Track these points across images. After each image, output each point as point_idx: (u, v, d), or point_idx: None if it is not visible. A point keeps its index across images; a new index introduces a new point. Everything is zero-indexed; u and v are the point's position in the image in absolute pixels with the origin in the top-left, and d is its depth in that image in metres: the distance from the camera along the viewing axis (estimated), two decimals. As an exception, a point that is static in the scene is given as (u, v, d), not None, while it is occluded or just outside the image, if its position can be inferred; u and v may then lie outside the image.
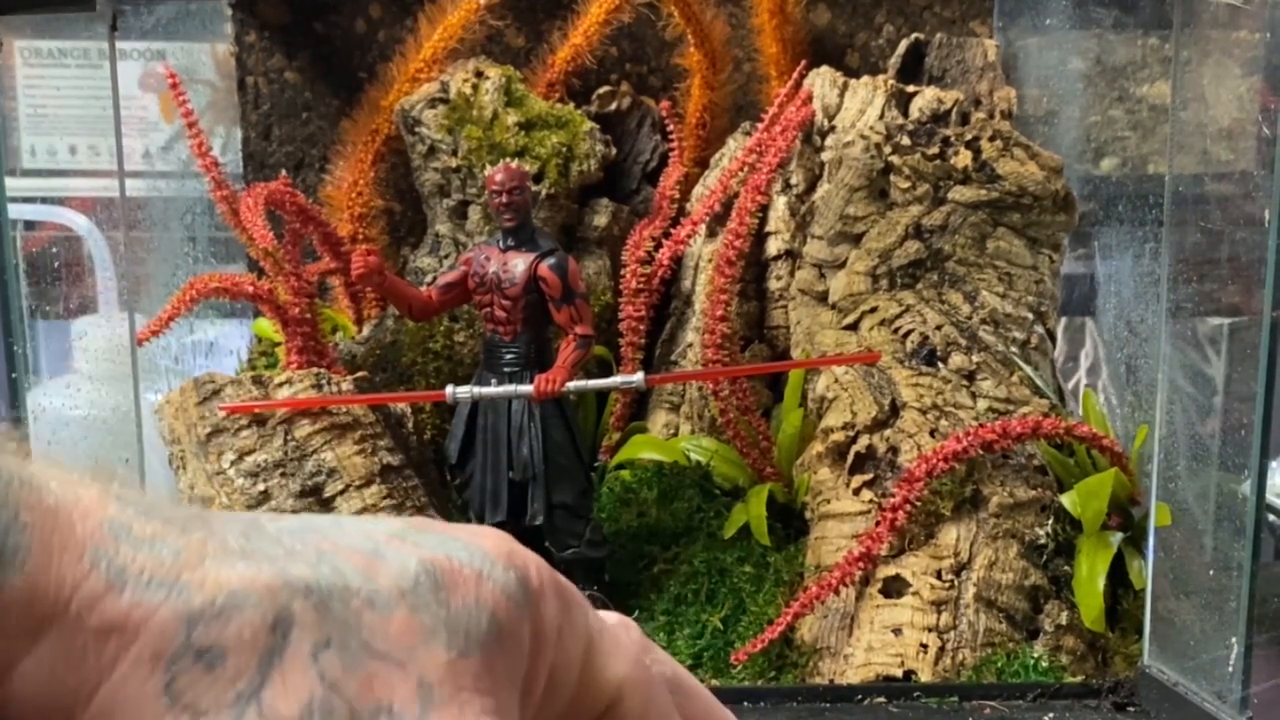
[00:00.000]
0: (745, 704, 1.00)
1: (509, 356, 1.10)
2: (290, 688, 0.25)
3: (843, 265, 1.25)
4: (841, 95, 1.33)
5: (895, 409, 1.12)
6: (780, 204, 1.33)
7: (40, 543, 0.26)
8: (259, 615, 0.26)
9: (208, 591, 0.26)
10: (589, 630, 0.32)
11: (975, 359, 1.15)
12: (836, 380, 1.16)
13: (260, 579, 0.26)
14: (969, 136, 1.21)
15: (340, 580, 0.27)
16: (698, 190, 1.37)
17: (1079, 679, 1.01)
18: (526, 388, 1.08)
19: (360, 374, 1.19)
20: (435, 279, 1.16)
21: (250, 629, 0.26)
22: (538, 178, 1.29)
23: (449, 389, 1.09)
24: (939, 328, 1.17)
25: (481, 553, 0.29)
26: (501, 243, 1.10)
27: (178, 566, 0.26)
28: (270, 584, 0.26)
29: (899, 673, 1.00)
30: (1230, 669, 0.92)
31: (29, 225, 1.44)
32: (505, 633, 0.29)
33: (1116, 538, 1.07)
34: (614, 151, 1.37)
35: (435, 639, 0.27)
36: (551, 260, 1.08)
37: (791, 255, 1.32)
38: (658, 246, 1.31)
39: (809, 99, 1.32)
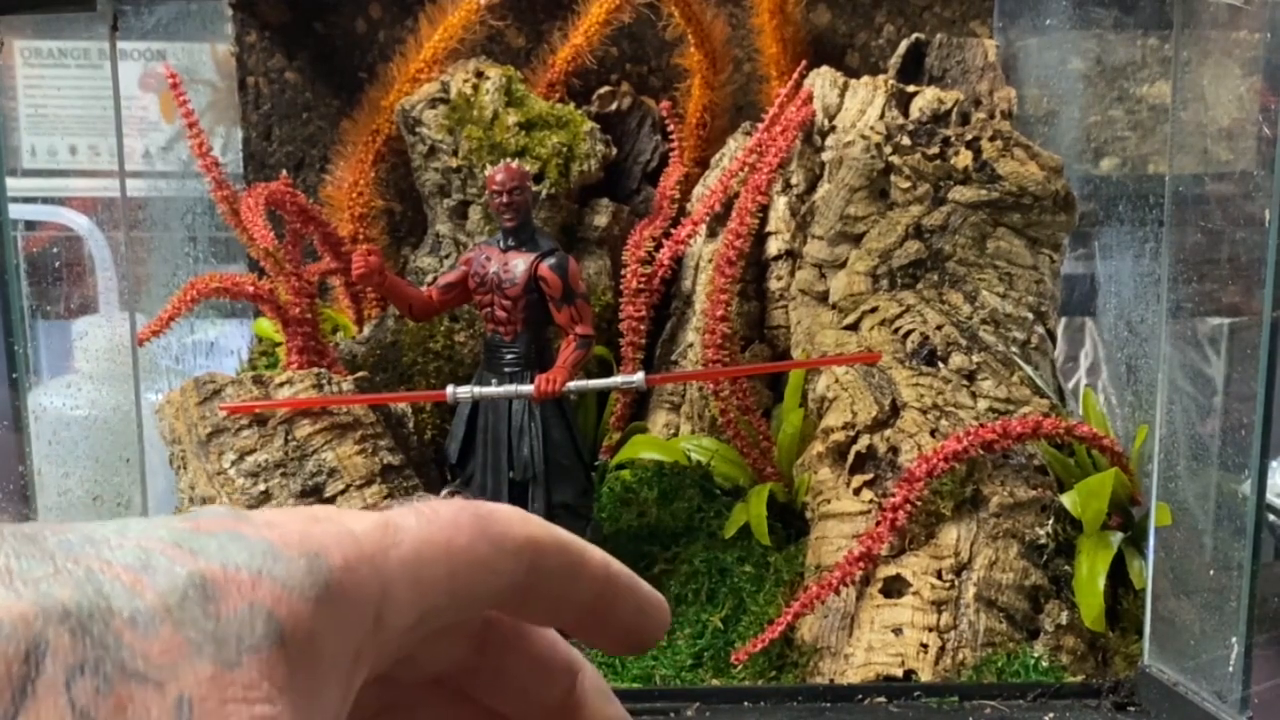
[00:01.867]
0: (745, 704, 1.00)
1: (509, 356, 1.10)
2: (41, 718, 0.24)
3: (843, 265, 1.25)
4: (842, 95, 1.33)
5: (896, 409, 1.12)
6: (780, 204, 1.33)
7: None
8: (12, 646, 0.25)
9: None
10: (409, 565, 0.30)
11: (975, 359, 1.15)
12: (837, 380, 1.16)
13: (16, 607, 0.25)
14: (969, 136, 1.22)
15: (103, 601, 0.26)
16: (698, 190, 1.37)
17: (1079, 679, 1.01)
18: (527, 388, 1.08)
19: (361, 374, 1.19)
20: (436, 279, 1.16)
21: (3, 661, 0.25)
22: (538, 178, 1.29)
23: (449, 389, 1.09)
24: (939, 328, 1.17)
25: (264, 549, 0.28)
26: (502, 243, 1.10)
27: None
28: (25, 612, 0.26)
29: (899, 672, 1.00)
30: (1230, 669, 0.92)
31: (30, 225, 1.44)
32: (293, 627, 0.27)
33: (1117, 537, 1.07)
34: (614, 151, 1.37)
35: (200, 653, 0.26)
36: (552, 260, 1.08)
37: (792, 255, 1.32)
38: (658, 246, 1.31)
39: (809, 99, 1.32)
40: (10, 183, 1.04)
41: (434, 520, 0.30)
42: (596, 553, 0.34)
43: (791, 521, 1.19)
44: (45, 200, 1.53)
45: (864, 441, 1.10)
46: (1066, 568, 1.06)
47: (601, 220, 1.36)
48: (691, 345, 1.33)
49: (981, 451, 1.05)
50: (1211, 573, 0.95)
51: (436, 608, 0.30)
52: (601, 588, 0.34)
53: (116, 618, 0.26)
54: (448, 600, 0.31)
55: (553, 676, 0.35)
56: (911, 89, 1.31)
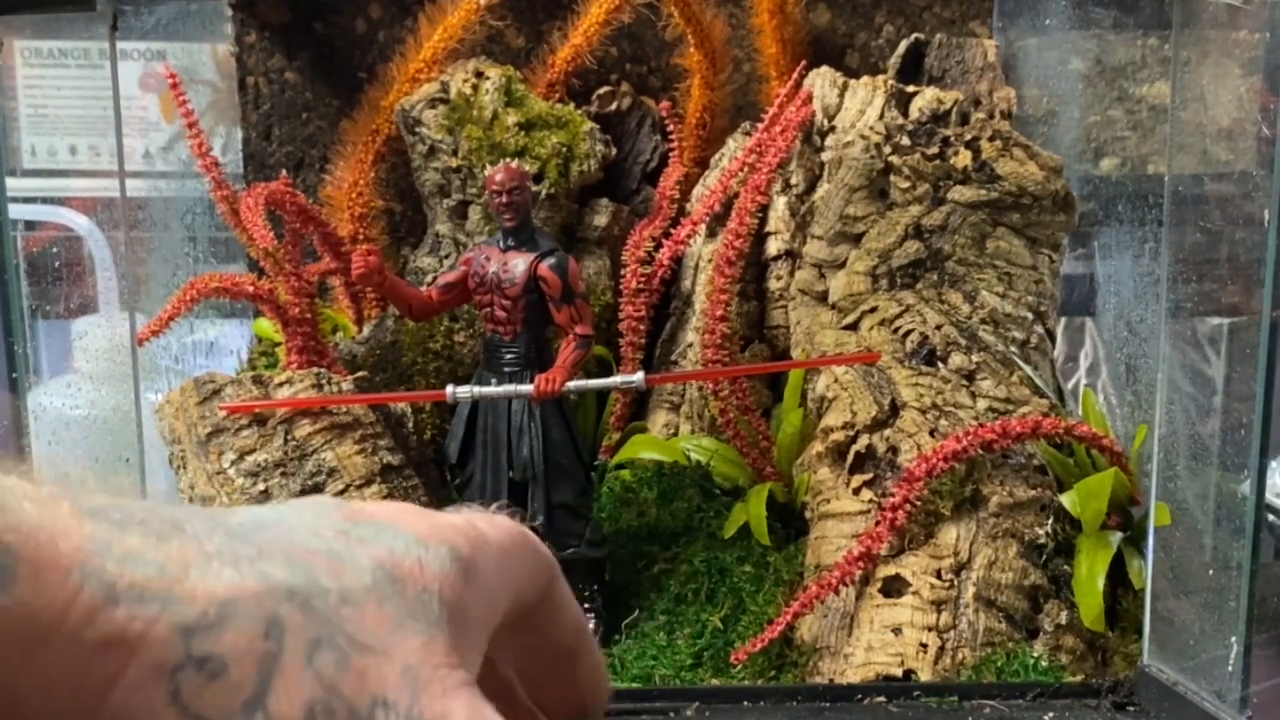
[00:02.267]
0: (745, 703, 1.00)
1: (509, 356, 1.10)
2: (291, 691, 0.27)
3: (842, 265, 1.25)
4: (841, 95, 1.34)
5: (895, 409, 1.12)
6: (780, 204, 1.33)
7: (26, 563, 0.26)
8: (252, 623, 0.27)
9: (199, 603, 0.27)
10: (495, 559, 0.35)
11: (975, 359, 1.16)
12: (836, 380, 1.16)
13: (246, 586, 0.28)
14: (969, 137, 1.22)
15: (315, 581, 0.29)
16: (698, 190, 1.37)
17: (1079, 678, 1.01)
18: (526, 387, 1.08)
19: (360, 374, 1.19)
20: (435, 279, 1.16)
21: (246, 637, 0.27)
22: (538, 178, 1.29)
23: (449, 389, 1.09)
24: (939, 327, 1.17)
25: (414, 539, 0.32)
26: (502, 243, 1.10)
27: (166, 580, 0.27)
28: (256, 591, 0.28)
29: (899, 672, 1.00)
30: (1230, 668, 0.92)
31: (30, 225, 1.45)
32: (455, 606, 0.31)
33: (1116, 537, 1.07)
34: (614, 151, 1.37)
35: (404, 627, 0.29)
36: (552, 260, 1.08)
37: (791, 255, 1.32)
38: (658, 246, 1.31)
39: (809, 99, 1.32)
40: (10, 183, 1.04)
41: (498, 526, 0.35)
42: (576, 606, 0.38)
43: (791, 521, 1.19)
44: (45, 200, 1.53)
45: (863, 441, 1.10)
46: (1066, 567, 1.06)
47: (601, 220, 1.36)
48: (691, 345, 1.33)
49: (981, 451, 1.05)
50: (1211, 572, 0.95)
51: (511, 601, 0.34)
52: (575, 634, 0.38)
53: (331, 595, 0.29)
54: (513, 595, 0.35)
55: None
56: (911, 89, 1.31)
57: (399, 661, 0.28)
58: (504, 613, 0.34)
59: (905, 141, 1.22)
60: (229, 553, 0.28)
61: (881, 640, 1.02)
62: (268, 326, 1.35)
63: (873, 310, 1.21)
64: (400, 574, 0.30)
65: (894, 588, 1.04)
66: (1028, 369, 1.17)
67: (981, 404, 1.12)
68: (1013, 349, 1.18)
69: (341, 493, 1.09)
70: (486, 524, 0.35)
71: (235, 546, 0.29)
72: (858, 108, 1.32)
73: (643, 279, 1.29)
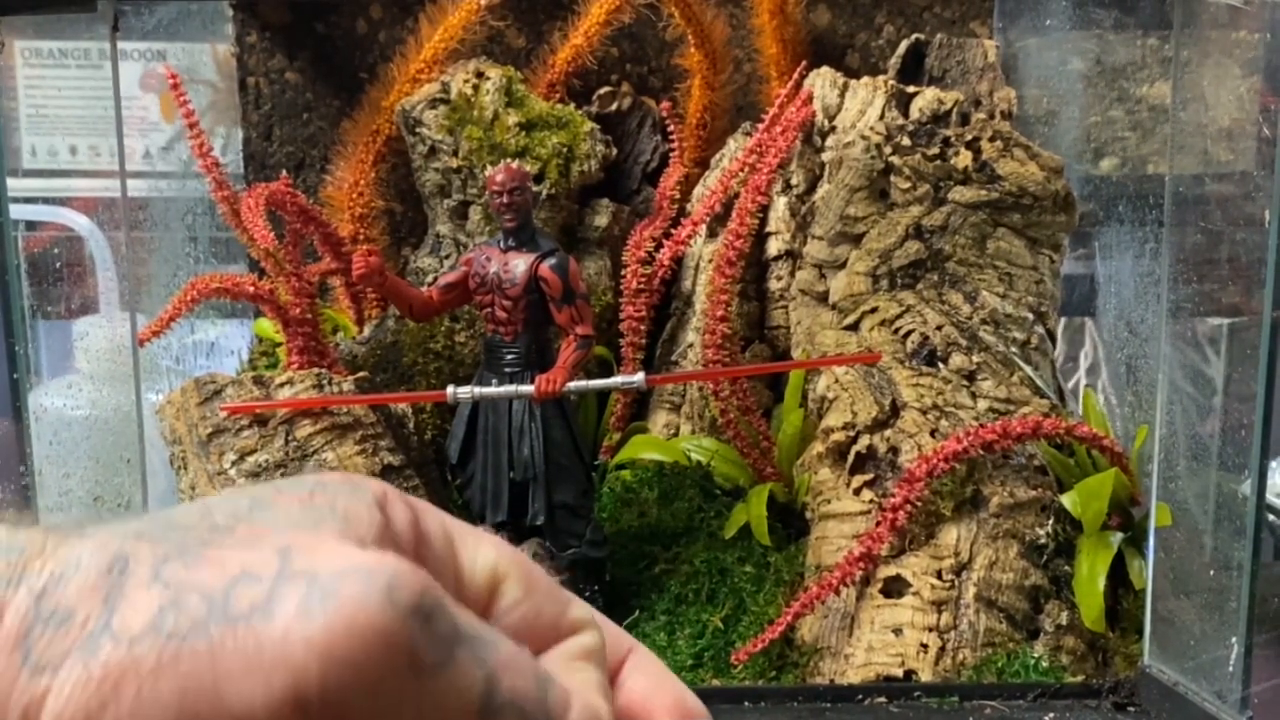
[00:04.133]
0: (746, 704, 1.00)
1: (510, 357, 1.10)
2: (138, 605, 0.26)
3: (843, 265, 1.25)
4: (842, 96, 1.34)
5: (896, 409, 1.12)
6: (780, 204, 1.33)
7: None
8: (95, 564, 0.26)
9: (49, 567, 0.27)
10: (445, 527, 0.32)
11: (975, 359, 1.16)
12: (837, 380, 1.16)
13: (94, 539, 0.27)
14: (969, 137, 1.22)
15: (174, 523, 0.28)
16: (698, 191, 1.37)
17: (1079, 679, 1.01)
18: (527, 388, 1.08)
19: (361, 374, 1.19)
20: (436, 279, 1.16)
21: (89, 578, 0.26)
22: (538, 178, 1.29)
23: (450, 389, 1.09)
24: (939, 328, 1.17)
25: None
26: (502, 243, 1.10)
27: (24, 558, 0.27)
28: (103, 539, 0.27)
29: (899, 673, 1.00)
30: (1230, 669, 0.92)
31: (30, 226, 1.45)
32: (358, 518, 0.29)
33: (1117, 538, 1.07)
34: (614, 152, 1.37)
35: (284, 527, 0.28)
36: (552, 260, 1.08)
37: (792, 255, 1.32)
38: (658, 247, 1.31)
39: (809, 99, 1.32)
40: (10, 183, 1.04)
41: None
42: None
43: (792, 522, 1.19)
44: (45, 200, 1.53)
45: (864, 442, 1.10)
46: (1066, 568, 1.06)
47: (602, 220, 1.36)
48: (692, 345, 1.33)
49: (981, 452, 1.05)
50: (1211, 573, 0.95)
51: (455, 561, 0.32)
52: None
53: (196, 529, 0.28)
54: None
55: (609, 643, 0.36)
56: (911, 89, 1.31)
57: (270, 544, 0.27)
58: None
59: (906, 142, 1.22)
60: (95, 526, 0.28)
61: (882, 641, 1.02)
62: (268, 327, 1.35)
63: (873, 311, 1.21)
64: (289, 499, 0.29)
65: (895, 588, 1.04)
66: (1028, 369, 1.17)
67: (982, 404, 1.12)
68: (1013, 349, 1.18)
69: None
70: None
71: (108, 522, 0.28)
72: (858, 108, 1.32)
73: (643, 279, 1.29)
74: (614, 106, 1.41)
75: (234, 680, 0.25)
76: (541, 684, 0.28)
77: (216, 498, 0.29)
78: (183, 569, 0.26)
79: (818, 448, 1.15)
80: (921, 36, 1.37)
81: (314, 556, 0.26)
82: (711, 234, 1.32)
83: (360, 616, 0.25)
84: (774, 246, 1.34)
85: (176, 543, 0.27)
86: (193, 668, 0.25)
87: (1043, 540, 1.05)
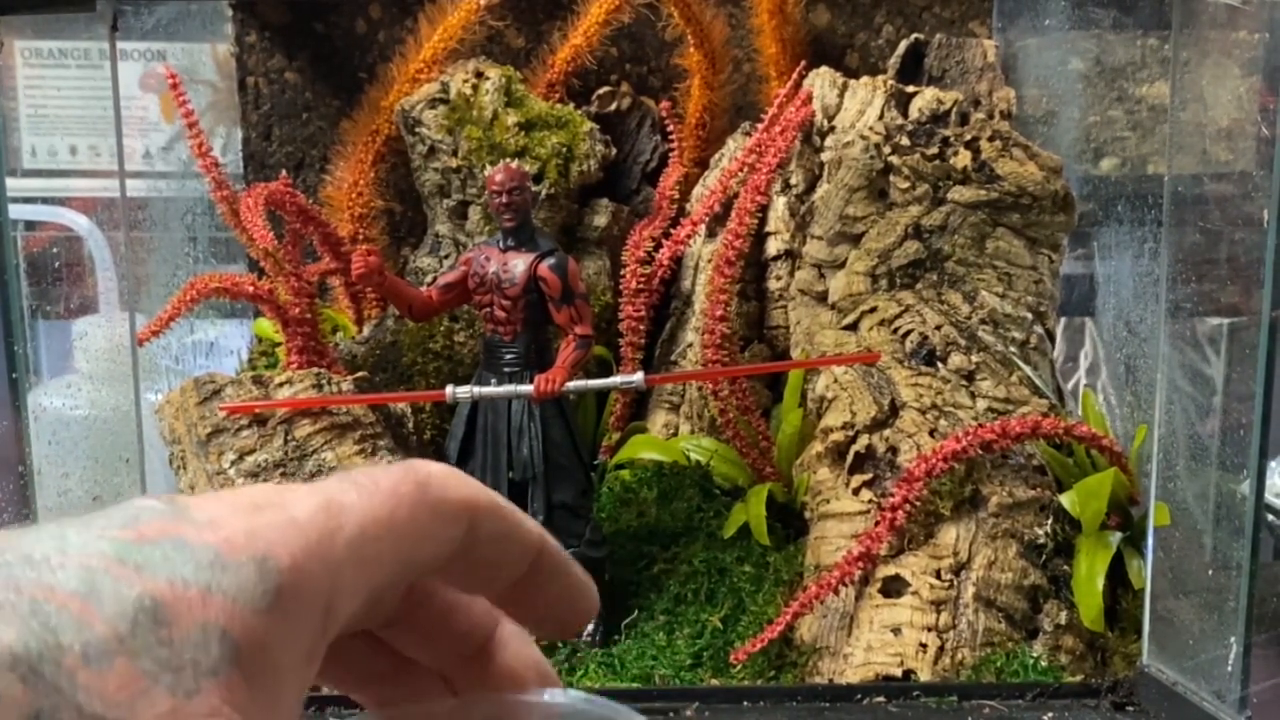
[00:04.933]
0: (745, 703, 1.00)
1: (509, 356, 1.10)
2: None
3: (842, 265, 1.25)
4: (841, 95, 1.34)
5: (895, 409, 1.12)
6: (780, 204, 1.33)
7: None
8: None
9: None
10: (354, 547, 0.30)
11: (974, 359, 1.16)
12: (836, 380, 1.16)
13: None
14: (968, 137, 1.22)
15: (52, 638, 0.25)
16: (697, 190, 1.37)
17: (1078, 678, 1.01)
18: (526, 388, 1.08)
19: (360, 374, 1.19)
20: (435, 279, 1.16)
21: None
22: (538, 178, 1.29)
23: (449, 389, 1.09)
24: (938, 328, 1.17)
25: (209, 558, 0.27)
26: (501, 243, 1.10)
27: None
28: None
29: (898, 672, 1.00)
30: (1229, 668, 0.92)
31: (30, 225, 1.44)
32: (249, 640, 0.26)
33: (1116, 537, 1.07)
34: (614, 152, 1.37)
35: (157, 684, 0.25)
36: (551, 260, 1.08)
37: (791, 255, 1.32)
38: (657, 247, 1.31)
39: (808, 99, 1.32)
40: (10, 183, 1.04)
41: (375, 493, 0.30)
42: (532, 525, 0.34)
43: (791, 521, 1.19)
44: (45, 200, 1.53)
45: (863, 441, 1.10)
46: (1065, 567, 1.06)
47: (601, 220, 1.36)
48: (691, 345, 1.33)
49: (980, 451, 1.05)
50: (1210, 572, 0.95)
51: (382, 582, 0.30)
52: (534, 560, 0.33)
53: (68, 655, 0.25)
54: (394, 571, 0.30)
55: (473, 623, 0.35)
56: (911, 89, 1.31)
57: None
58: (370, 598, 0.30)
59: (905, 142, 1.22)
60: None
61: (881, 640, 1.02)
62: (268, 327, 1.35)
63: (872, 310, 1.21)
64: (171, 611, 0.26)
65: (893, 588, 1.04)
66: (1027, 369, 1.17)
67: (981, 404, 1.12)
68: (1012, 349, 1.18)
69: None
70: (356, 493, 0.29)
71: None
72: (857, 108, 1.32)
73: (642, 279, 1.29)
74: (613, 106, 1.41)
75: None
76: None
77: (100, 575, 0.26)
78: None
79: (817, 447, 1.15)
80: (921, 36, 1.37)
81: None
82: (711, 234, 1.32)
83: None
84: (773, 246, 1.34)
85: (51, 689, 0.24)
86: None
87: (1042, 540, 1.05)
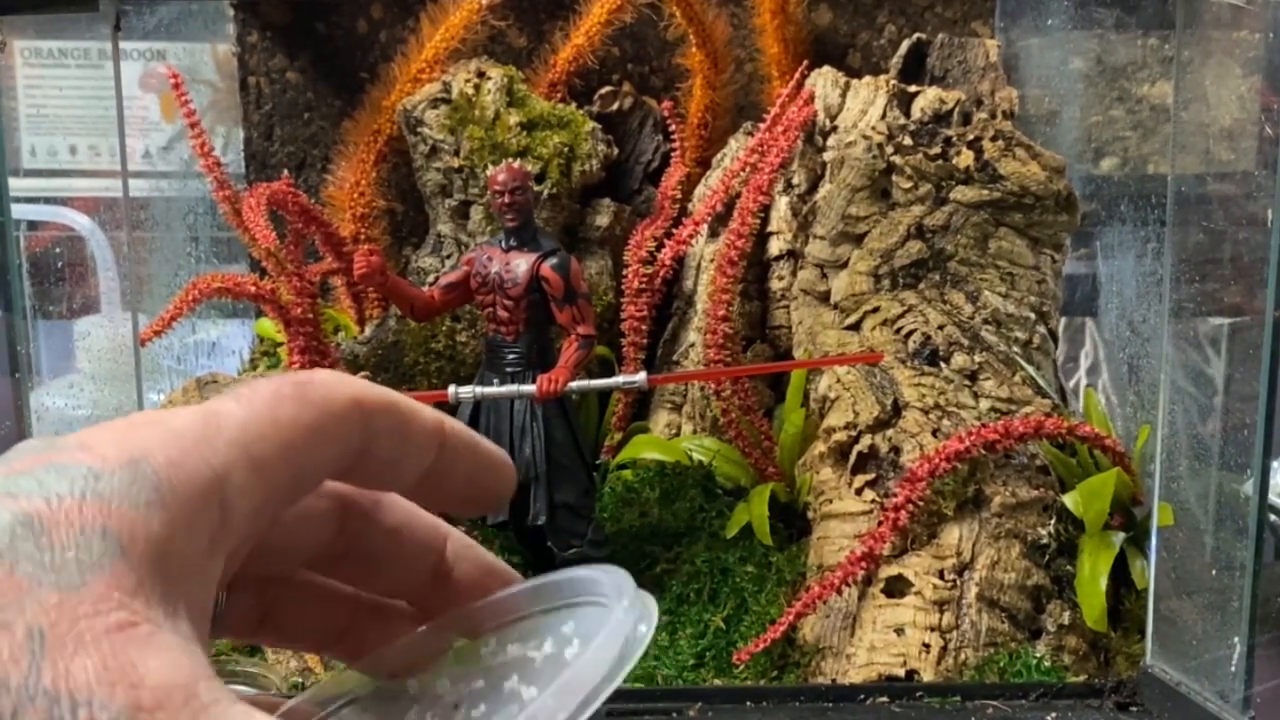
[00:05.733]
0: (748, 703, 1.00)
1: (511, 356, 1.10)
2: None
3: (845, 265, 1.25)
4: (843, 95, 1.33)
5: (897, 409, 1.12)
6: (782, 204, 1.33)
7: None
8: None
9: None
10: (240, 444, 0.30)
11: (977, 359, 1.16)
12: (839, 380, 1.16)
13: None
14: (971, 136, 1.22)
15: None
16: (699, 190, 1.37)
17: (1081, 679, 1.01)
18: (529, 388, 1.08)
19: (363, 374, 1.19)
20: (437, 279, 1.16)
21: None
22: (540, 178, 1.29)
23: (451, 389, 1.09)
24: (941, 328, 1.17)
25: (83, 472, 0.27)
26: (504, 243, 1.10)
27: None
28: None
29: (901, 672, 1.00)
30: (1233, 669, 0.92)
31: (32, 225, 1.44)
32: (129, 538, 0.26)
33: (1119, 537, 1.07)
34: (616, 151, 1.37)
35: (41, 585, 0.25)
36: (554, 260, 1.08)
37: (793, 255, 1.32)
38: (659, 246, 1.31)
39: (811, 99, 1.32)
40: (11, 183, 1.04)
41: (255, 399, 0.30)
42: (429, 411, 0.34)
43: (793, 521, 1.19)
44: (46, 200, 1.53)
45: (866, 441, 1.10)
46: (1068, 568, 1.06)
47: (603, 220, 1.36)
48: (693, 345, 1.33)
49: (983, 451, 1.05)
50: (1214, 573, 0.95)
51: (278, 483, 0.30)
52: (438, 445, 0.33)
53: None
54: (288, 473, 0.30)
55: (419, 543, 0.35)
56: (913, 89, 1.31)
57: (21, 629, 0.25)
58: (270, 498, 0.30)
59: (907, 141, 1.22)
60: None
61: (884, 640, 1.02)
62: (270, 326, 1.35)
63: (875, 310, 1.21)
64: (50, 523, 0.26)
65: (896, 588, 1.04)
66: (1030, 369, 1.17)
67: (984, 404, 1.12)
68: (1015, 349, 1.18)
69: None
70: (235, 402, 0.30)
71: None
72: (860, 108, 1.32)
73: (645, 279, 1.29)
74: (615, 106, 1.41)
75: None
76: None
77: (6, 483, 0.27)
78: None
79: (819, 447, 1.15)
80: (923, 36, 1.37)
81: (62, 658, 0.25)
82: (713, 234, 1.32)
83: None
84: (775, 246, 1.33)
85: None
86: None
87: (1045, 540, 1.05)
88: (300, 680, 1.06)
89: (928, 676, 1.00)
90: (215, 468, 0.28)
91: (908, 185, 1.21)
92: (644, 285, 1.29)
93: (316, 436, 0.30)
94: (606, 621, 0.30)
